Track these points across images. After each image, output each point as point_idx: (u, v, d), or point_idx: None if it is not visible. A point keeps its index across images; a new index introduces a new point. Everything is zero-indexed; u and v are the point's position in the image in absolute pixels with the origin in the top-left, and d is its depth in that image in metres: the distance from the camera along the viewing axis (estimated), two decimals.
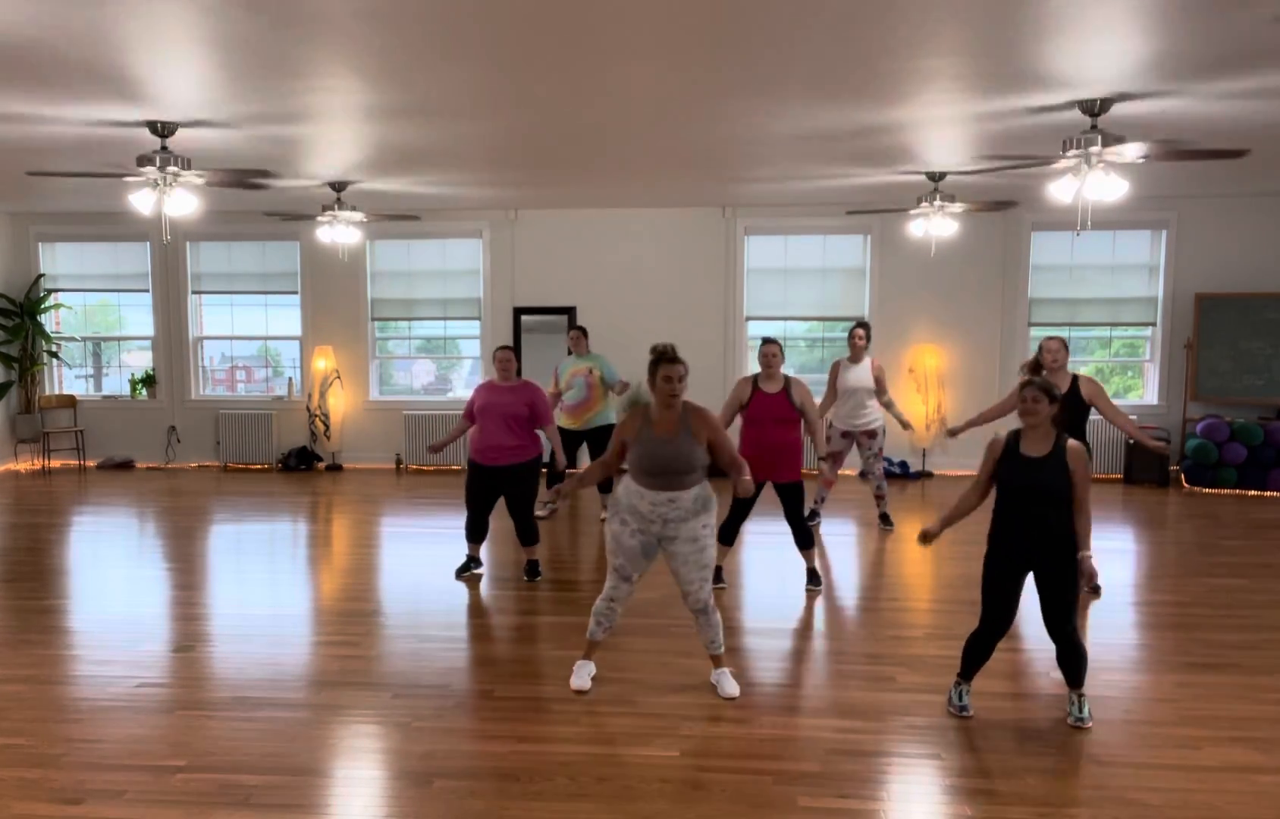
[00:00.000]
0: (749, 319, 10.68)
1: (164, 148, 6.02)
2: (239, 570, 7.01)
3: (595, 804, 3.51)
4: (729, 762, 3.83)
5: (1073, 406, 5.44)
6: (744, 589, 6.46)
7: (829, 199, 9.66)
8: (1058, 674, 4.68)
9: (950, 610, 5.73)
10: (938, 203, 8.06)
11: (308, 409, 10.93)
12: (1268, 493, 9.37)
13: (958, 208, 8.01)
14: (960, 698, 4.27)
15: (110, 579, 6.68)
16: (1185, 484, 9.72)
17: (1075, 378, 5.69)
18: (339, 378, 10.94)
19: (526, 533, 6.30)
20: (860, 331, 7.60)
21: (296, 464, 10.92)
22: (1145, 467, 9.84)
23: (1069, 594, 4.02)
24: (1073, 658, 4.11)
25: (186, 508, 8.95)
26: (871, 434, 7.63)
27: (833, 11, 4.08)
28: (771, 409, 5.98)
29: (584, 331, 8.21)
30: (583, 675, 4.56)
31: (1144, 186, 8.59)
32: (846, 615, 5.84)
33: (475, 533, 6.36)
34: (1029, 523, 4.01)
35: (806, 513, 7.45)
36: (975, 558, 6.82)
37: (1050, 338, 5.77)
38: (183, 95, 5.39)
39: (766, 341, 6.10)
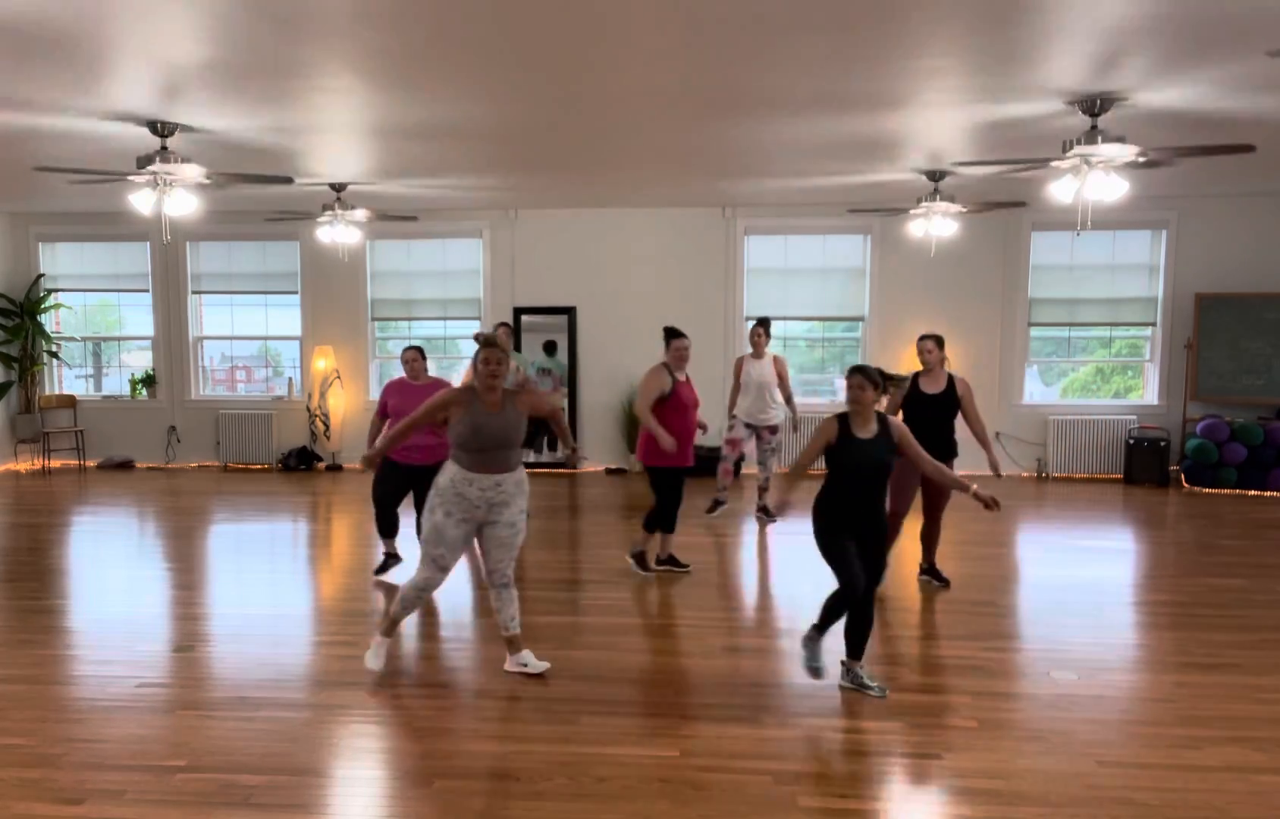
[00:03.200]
0: (749, 319, 10.67)
1: (164, 148, 6.02)
2: (239, 570, 7.01)
3: (595, 804, 3.50)
4: (729, 762, 3.83)
5: (946, 403, 5.84)
6: (744, 590, 6.46)
7: (829, 199, 9.66)
8: (1059, 674, 4.70)
9: (950, 610, 5.73)
10: (938, 203, 8.06)
11: (308, 409, 10.93)
12: (1268, 493, 9.38)
13: (958, 208, 8.01)
14: (871, 680, 4.49)
15: (110, 579, 6.68)
16: (1185, 484, 9.72)
17: (951, 377, 5.93)
18: (339, 378, 10.94)
19: (394, 528, 6.44)
20: (760, 329, 7.82)
21: (296, 464, 10.92)
22: (1145, 467, 9.85)
23: (882, 562, 4.47)
24: (867, 626, 4.47)
25: (186, 508, 8.95)
26: (773, 429, 7.89)
27: (833, 11, 4.08)
28: (693, 397, 6.30)
29: (509, 327, 8.11)
30: (379, 656, 4.71)
31: (1144, 186, 8.58)
32: (847, 615, 5.83)
33: (389, 528, 6.42)
34: (859, 497, 4.36)
35: (710, 505, 8.00)
36: (976, 558, 6.87)
37: (925, 337, 5.99)
38: (183, 95, 5.39)
39: (680, 335, 6.31)
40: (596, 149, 7.20)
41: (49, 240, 11.26)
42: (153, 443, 11.29)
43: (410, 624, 5.54)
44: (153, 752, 3.92)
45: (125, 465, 11.23)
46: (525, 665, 4.67)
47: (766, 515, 7.98)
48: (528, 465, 10.37)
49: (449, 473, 4.49)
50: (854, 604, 4.39)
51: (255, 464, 11.08)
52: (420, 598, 4.66)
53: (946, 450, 5.83)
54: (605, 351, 10.59)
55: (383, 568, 6.44)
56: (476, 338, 4.56)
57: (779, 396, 7.88)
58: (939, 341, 5.99)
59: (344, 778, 3.79)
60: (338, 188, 8.48)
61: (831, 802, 3.52)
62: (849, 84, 5.24)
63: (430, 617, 5.66)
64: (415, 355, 6.39)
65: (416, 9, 4.04)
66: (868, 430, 4.37)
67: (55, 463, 11.06)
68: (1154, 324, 10.21)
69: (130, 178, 6.12)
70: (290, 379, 11.35)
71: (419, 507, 6.21)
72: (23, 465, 11.13)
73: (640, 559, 6.40)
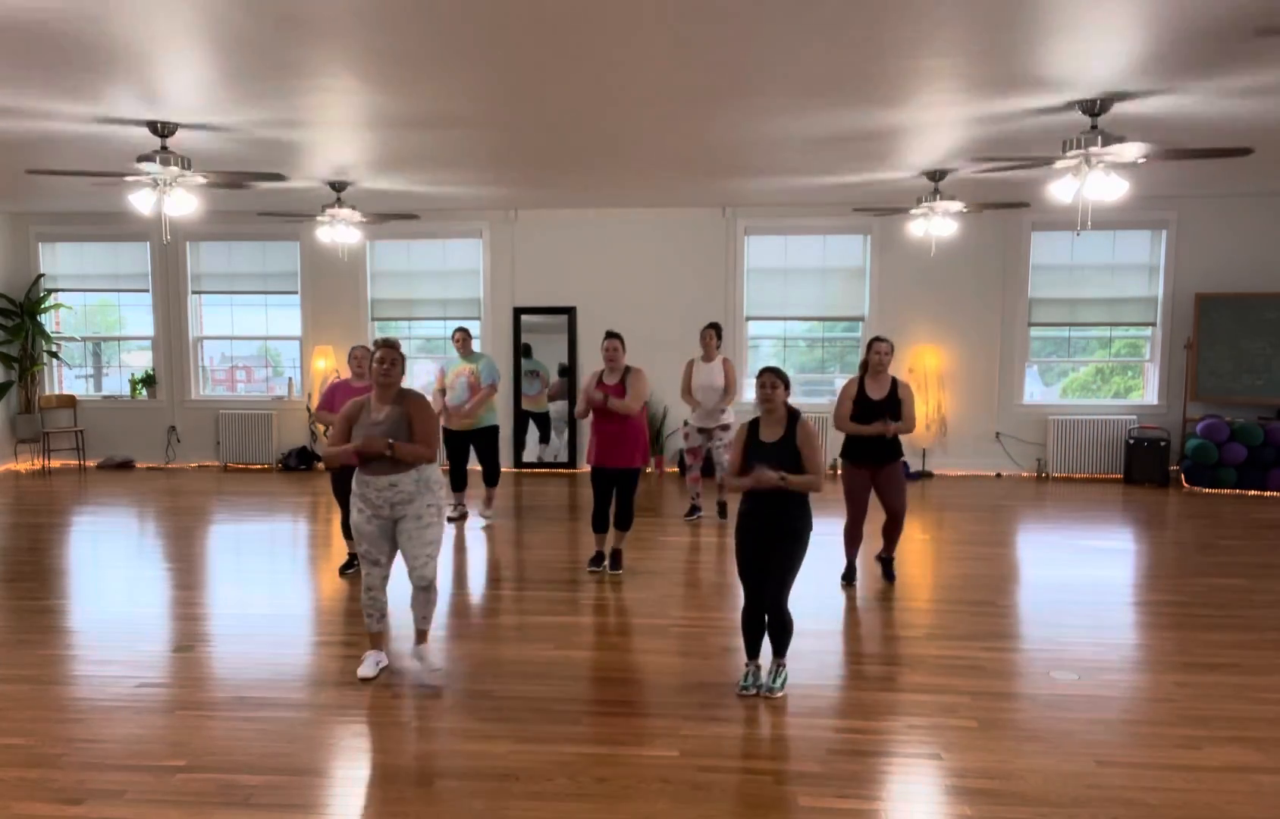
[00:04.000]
0: (749, 319, 10.67)
1: (164, 148, 6.02)
2: (239, 570, 7.01)
3: (595, 804, 3.50)
4: (729, 762, 3.83)
5: (889, 408, 5.93)
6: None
7: (829, 199, 9.66)
8: (1059, 674, 4.70)
9: (950, 610, 5.73)
10: (938, 203, 8.06)
11: (307, 409, 10.93)
12: (1268, 493, 9.38)
13: (958, 208, 8.01)
14: (746, 678, 4.48)
15: (110, 579, 6.68)
16: (1185, 484, 9.72)
17: (894, 381, 6.03)
18: (339, 378, 10.92)
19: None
20: (711, 331, 7.86)
21: (296, 464, 10.92)
22: (1145, 467, 9.85)
23: (789, 572, 4.40)
24: (783, 629, 4.46)
25: (186, 508, 8.94)
26: (725, 428, 7.93)
27: (833, 11, 4.08)
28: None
29: (468, 333, 8.06)
30: (369, 664, 4.71)
31: (1144, 186, 8.59)
32: (846, 615, 5.84)
33: (350, 530, 6.37)
34: (759, 501, 4.37)
35: (687, 509, 8.10)
36: (976, 558, 6.88)
37: (880, 340, 6.09)
38: (183, 95, 5.40)
39: (609, 335, 6.46)
40: (597, 149, 7.20)
41: (49, 240, 11.26)
42: (153, 443, 11.29)
43: (410, 624, 5.54)
44: (153, 752, 3.92)
45: (125, 465, 11.23)
46: (422, 658, 4.71)
47: (723, 513, 8.16)
48: (529, 465, 10.35)
49: (355, 474, 4.60)
50: (755, 617, 4.44)
51: (255, 464, 11.08)
52: (371, 598, 4.70)
53: (892, 452, 5.99)
54: None
55: (347, 567, 6.52)
56: (377, 341, 4.64)
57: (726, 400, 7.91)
58: (891, 347, 6.12)
59: (344, 778, 3.79)
60: (338, 188, 8.48)
61: (831, 802, 3.52)
62: (849, 84, 5.24)
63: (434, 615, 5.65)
64: (365, 353, 6.26)
65: (416, 9, 4.04)
66: (774, 433, 4.41)
67: (55, 463, 11.06)
68: (1154, 324, 10.21)
69: (129, 178, 6.12)
70: (290, 379, 11.35)
71: None
72: (23, 465, 11.13)
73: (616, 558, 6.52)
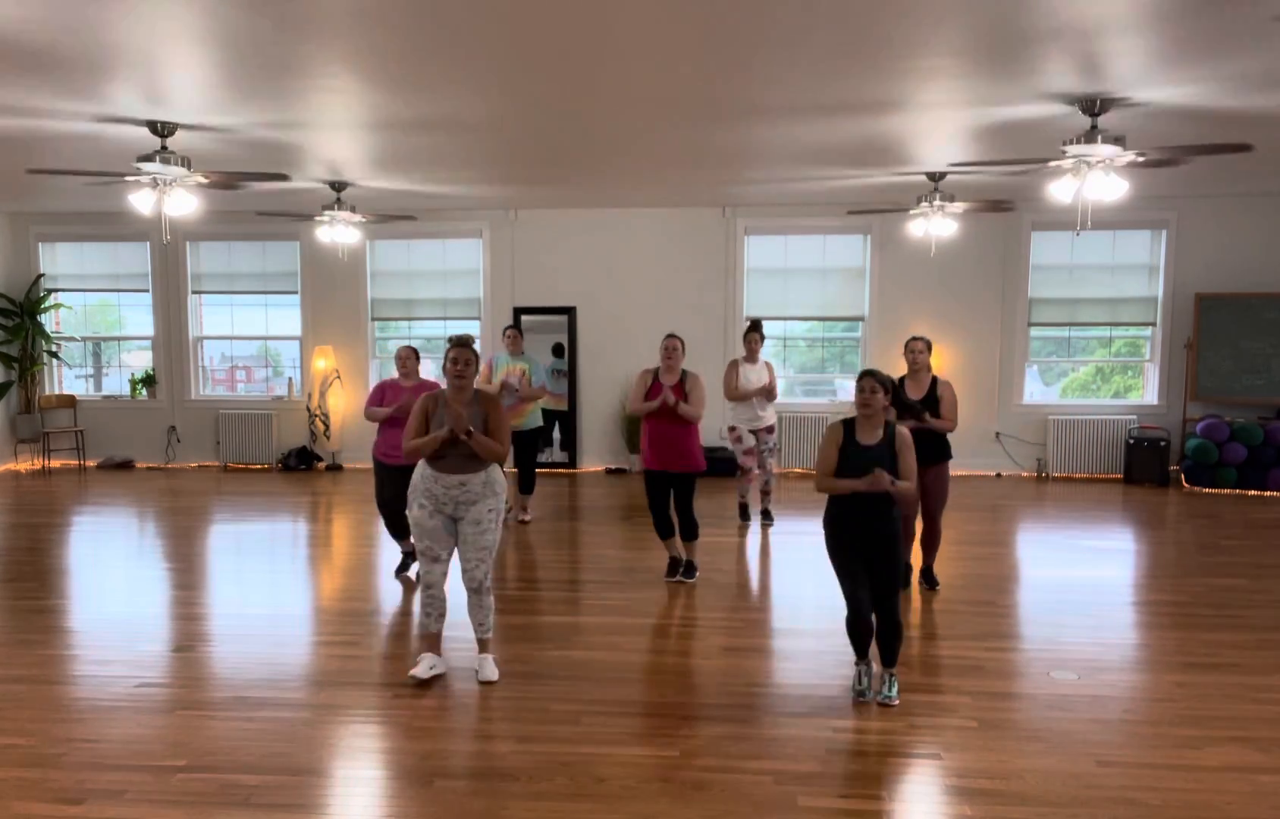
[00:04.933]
0: (748, 318, 10.66)
1: (164, 148, 6.03)
2: (239, 570, 7.01)
3: (595, 804, 3.50)
4: (729, 762, 3.83)
5: (929, 408, 5.76)
6: (745, 590, 6.46)
7: (829, 199, 9.66)
8: (1059, 674, 4.70)
9: (950, 610, 5.73)
10: (938, 203, 8.06)
11: (308, 409, 10.93)
12: (1268, 493, 9.38)
13: (958, 208, 8.01)
14: (860, 681, 4.41)
15: (110, 579, 6.68)
16: (1185, 484, 9.72)
17: (935, 380, 5.92)
18: (339, 378, 10.94)
19: (403, 526, 6.31)
20: (755, 334, 7.78)
21: (296, 464, 10.92)
22: (1145, 467, 9.85)
23: (896, 575, 4.33)
24: (892, 634, 4.35)
25: (186, 508, 8.95)
26: (770, 430, 7.86)
27: (833, 11, 4.08)
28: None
29: (519, 332, 8.06)
30: (424, 666, 4.65)
31: (1144, 186, 8.58)
32: (840, 614, 5.83)
33: (400, 530, 6.36)
34: (862, 506, 4.27)
35: (739, 511, 7.99)
36: (975, 558, 6.87)
37: (916, 338, 5.98)
38: (183, 95, 5.40)
39: (669, 336, 6.27)
40: (597, 150, 7.20)
41: (49, 240, 11.26)
42: (153, 443, 11.30)
43: (410, 624, 5.55)
44: (153, 752, 3.92)
45: (125, 465, 11.23)
46: (478, 671, 4.64)
47: (768, 518, 7.97)
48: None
49: (420, 470, 4.58)
50: (862, 620, 4.33)
51: (255, 464, 11.08)
52: (430, 596, 4.64)
53: (939, 453, 5.84)
54: (605, 352, 10.59)
55: (403, 567, 6.44)
56: (451, 339, 4.59)
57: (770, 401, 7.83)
58: (928, 345, 5.98)
59: (344, 778, 3.79)
60: (338, 188, 8.48)
61: (831, 802, 3.52)
62: (849, 84, 5.24)
63: None
64: (410, 353, 6.33)
65: (416, 9, 4.04)
66: (873, 437, 4.31)
67: (55, 463, 11.06)
68: (1154, 324, 10.21)
69: (129, 178, 6.12)
70: (290, 379, 11.35)
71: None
72: (23, 465, 11.13)
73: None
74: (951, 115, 5.94)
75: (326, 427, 10.88)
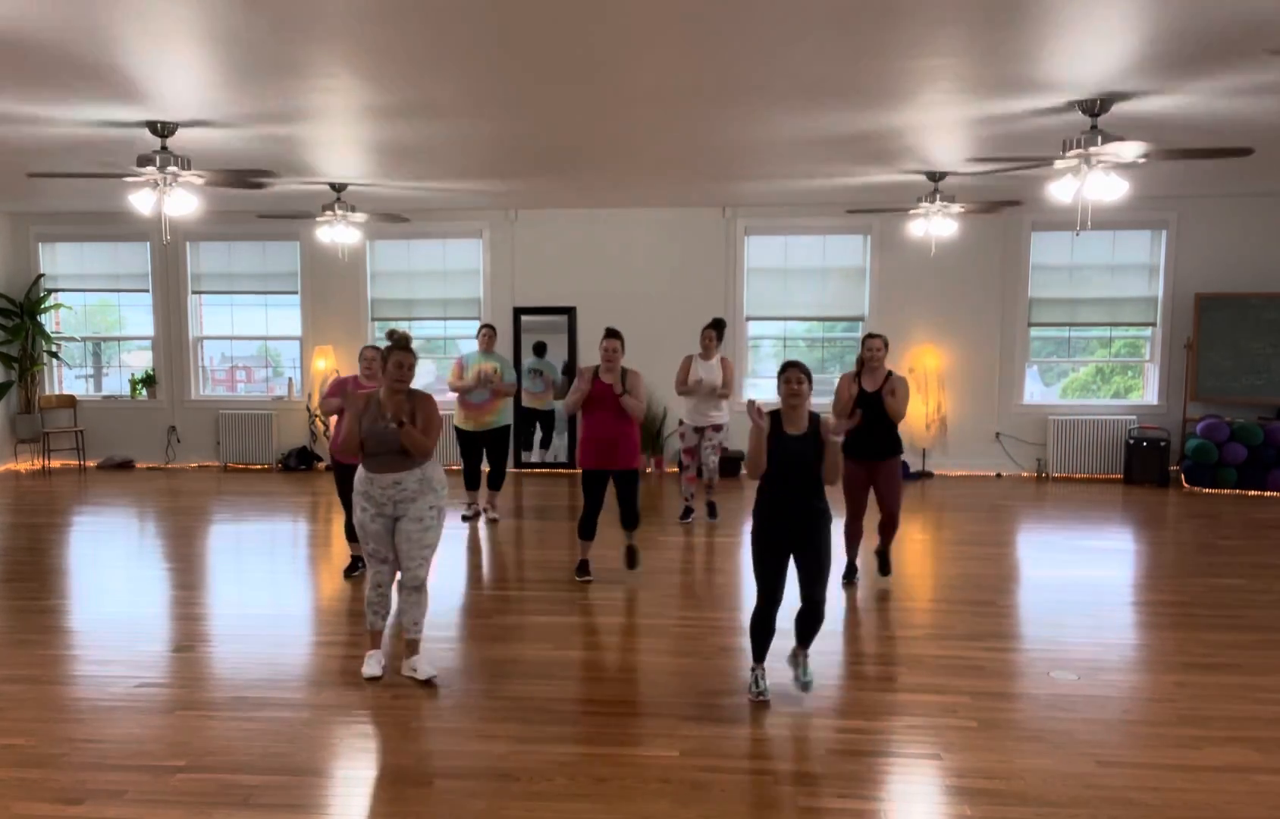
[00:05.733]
0: (749, 319, 10.68)
1: (164, 148, 6.03)
2: (239, 570, 7.01)
3: (595, 804, 3.50)
4: (729, 762, 3.83)
5: (882, 397, 5.90)
6: (746, 590, 6.46)
7: (829, 199, 9.66)
8: (1059, 674, 4.70)
9: (950, 610, 5.73)
10: (938, 203, 8.06)
11: (308, 409, 10.93)
12: (1268, 493, 9.38)
13: (958, 208, 8.01)
14: (757, 683, 4.41)
15: (110, 579, 6.68)
16: (1185, 484, 9.72)
17: (889, 373, 6.01)
18: (345, 375, 10.92)
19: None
20: (711, 330, 7.79)
21: (296, 464, 10.92)
22: (1145, 467, 9.85)
23: (823, 563, 4.35)
24: (812, 622, 4.41)
25: (186, 508, 8.95)
26: (717, 427, 7.86)
27: (833, 11, 4.08)
28: (609, 400, 6.19)
29: (494, 331, 8.08)
30: (372, 664, 4.69)
31: (1144, 186, 8.59)
32: (846, 616, 5.84)
33: (354, 532, 6.31)
34: (788, 497, 4.33)
35: (681, 511, 8.05)
36: (975, 558, 6.87)
37: (873, 336, 6.07)
38: (183, 95, 5.40)
39: (610, 334, 6.30)
40: (597, 149, 7.20)
41: (49, 240, 11.26)
42: (153, 443, 11.29)
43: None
44: (153, 752, 3.92)
45: (125, 465, 11.23)
46: (415, 671, 4.63)
47: (712, 513, 8.07)
48: (531, 465, 10.32)
49: (358, 473, 4.62)
50: (768, 617, 4.38)
51: (255, 464, 11.08)
52: (379, 595, 4.70)
53: (891, 447, 5.97)
54: None
55: (351, 570, 6.45)
56: (390, 335, 4.60)
57: (722, 399, 7.83)
58: (886, 343, 6.09)
59: (344, 778, 3.79)
60: (338, 188, 8.48)
61: (831, 802, 3.52)
62: (849, 85, 5.24)
63: (430, 617, 5.65)
64: (376, 354, 6.12)
65: (415, 8, 4.04)
66: (799, 427, 4.36)
67: (55, 463, 11.06)
68: (1154, 324, 10.21)
69: (129, 178, 6.12)
70: (290, 379, 11.35)
71: None
72: (23, 465, 11.13)
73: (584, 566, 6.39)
74: (951, 115, 5.94)
75: (326, 427, 10.87)
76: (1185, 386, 9.98)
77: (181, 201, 6.24)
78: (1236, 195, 9.68)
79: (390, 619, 4.83)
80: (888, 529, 6.20)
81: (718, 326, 7.89)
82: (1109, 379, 11.13)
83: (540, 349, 10.77)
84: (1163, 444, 9.81)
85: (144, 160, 5.99)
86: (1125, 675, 4.77)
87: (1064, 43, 4.45)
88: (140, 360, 11.56)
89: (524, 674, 4.73)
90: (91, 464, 11.21)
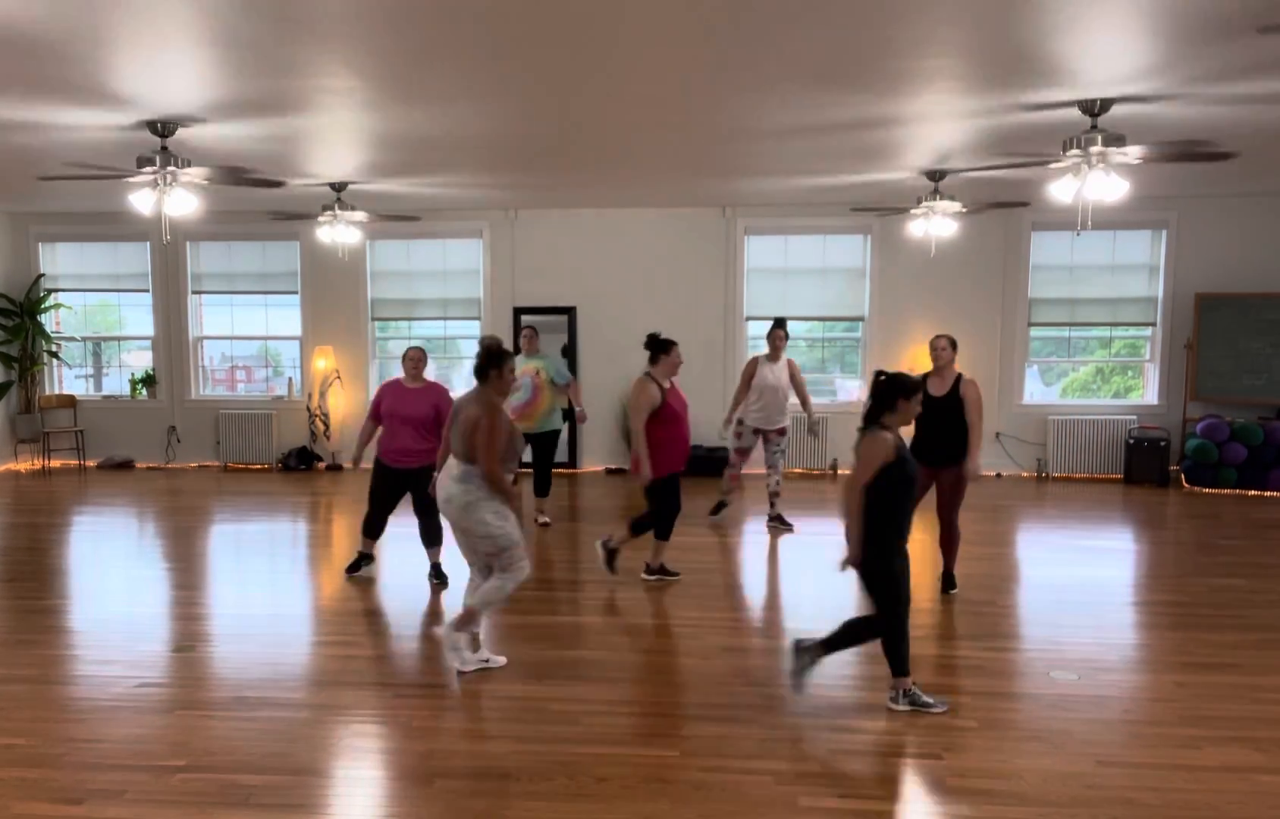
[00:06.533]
0: (749, 319, 10.67)
1: (164, 148, 6.02)
2: (239, 570, 7.01)
3: (595, 804, 3.50)
4: (729, 762, 3.83)
5: (950, 406, 5.70)
6: (744, 590, 6.46)
7: (829, 199, 9.66)
8: (1059, 674, 4.70)
9: (950, 610, 5.73)
10: (938, 202, 8.05)
11: (308, 409, 10.93)
12: (1268, 493, 9.37)
13: (958, 208, 8.01)
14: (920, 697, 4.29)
15: (110, 579, 6.68)
16: (1185, 484, 9.72)
17: (959, 377, 5.82)
18: (339, 378, 10.94)
19: (432, 534, 6.23)
20: (780, 331, 7.66)
21: (296, 464, 10.92)
22: (1145, 467, 9.85)
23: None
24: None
25: (186, 508, 8.95)
26: (782, 432, 7.73)
27: (833, 12, 4.08)
28: (681, 401, 6.11)
29: (535, 331, 7.98)
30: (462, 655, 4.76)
31: (1144, 186, 8.59)
32: (846, 615, 5.83)
33: (373, 529, 6.34)
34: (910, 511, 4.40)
35: (713, 506, 7.92)
36: (975, 558, 6.87)
37: (941, 336, 5.93)
38: (183, 95, 5.40)
39: (671, 344, 6.09)
40: (597, 149, 7.20)
41: (49, 240, 11.26)
42: (153, 443, 11.29)
43: (410, 624, 5.55)
44: (153, 752, 3.92)
45: (125, 465, 11.23)
46: (452, 646, 4.69)
47: (781, 524, 7.75)
48: (526, 466, 10.28)
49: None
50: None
51: (255, 464, 11.08)
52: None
53: (957, 455, 5.70)
54: (605, 352, 10.59)
55: (354, 567, 6.42)
56: (488, 344, 4.67)
57: (792, 400, 7.70)
58: (953, 342, 5.90)
59: (344, 778, 3.79)
60: (338, 187, 8.48)
61: (831, 802, 3.52)
62: (850, 85, 5.24)
63: (434, 616, 5.66)
64: (420, 355, 6.30)
65: (416, 10, 4.04)
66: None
67: (55, 463, 11.06)
68: (1154, 324, 10.21)
69: (129, 178, 6.12)
70: (290, 379, 11.35)
71: (418, 511, 6.20)
72: (23, 465, 11.13)
73: (612, 556, 6.21)
74: (952, 115, 5.93)
75: (326, 427, 10.88)
76: (1185, 386, 9.98)
77: (181, 201, 6.24)
78: (1236, 195, 9.68)
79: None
80: (949, 543, 5.94)
81: (785, 326, 7.70)
82: (1109, 379, 11.13)
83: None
84: (1163, 444, 9.81)
85: (144, 160, 5.99)
86: (1125, 675, 4.77)
87: (1064, 43, 4.45)
88: (140, 360, 11.56)
89: (524, 674, 4.73)
90: (91, 464, 11.21)
